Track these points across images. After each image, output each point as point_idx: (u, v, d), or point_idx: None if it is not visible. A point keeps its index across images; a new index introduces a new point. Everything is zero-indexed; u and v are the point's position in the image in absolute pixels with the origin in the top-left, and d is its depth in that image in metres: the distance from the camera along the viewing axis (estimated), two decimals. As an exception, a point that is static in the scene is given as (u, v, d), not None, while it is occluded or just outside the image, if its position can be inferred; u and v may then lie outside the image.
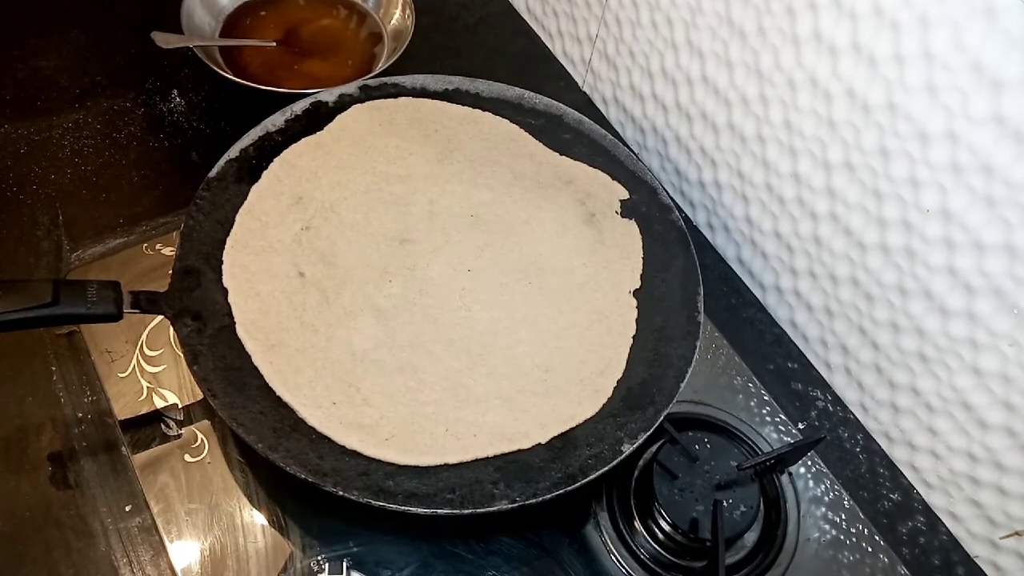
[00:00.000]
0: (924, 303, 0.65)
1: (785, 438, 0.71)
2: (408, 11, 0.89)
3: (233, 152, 0.70)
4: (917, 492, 0.71)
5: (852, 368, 0.73)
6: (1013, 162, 0.55)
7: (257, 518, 0.62)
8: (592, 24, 0.90)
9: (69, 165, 0.79)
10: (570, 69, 0.97)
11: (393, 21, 0.91)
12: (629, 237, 0.73)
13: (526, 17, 1.02)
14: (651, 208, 0.75)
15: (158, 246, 0.73)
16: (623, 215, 0.74)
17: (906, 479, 0.72)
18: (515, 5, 1.03)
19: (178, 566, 0.59)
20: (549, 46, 0.99)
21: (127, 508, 0.61)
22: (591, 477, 0.58)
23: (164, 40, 0.80)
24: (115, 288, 0.59)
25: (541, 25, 0.99)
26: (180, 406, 0.66)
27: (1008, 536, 0.65)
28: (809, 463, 0.70)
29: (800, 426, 0.73)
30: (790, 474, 0.69)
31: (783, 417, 0.72)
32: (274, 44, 0.87)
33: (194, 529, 0.60)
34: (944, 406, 0.66)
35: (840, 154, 0.66)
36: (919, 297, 0.65)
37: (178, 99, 0.85)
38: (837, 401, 0.75)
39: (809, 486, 0.69)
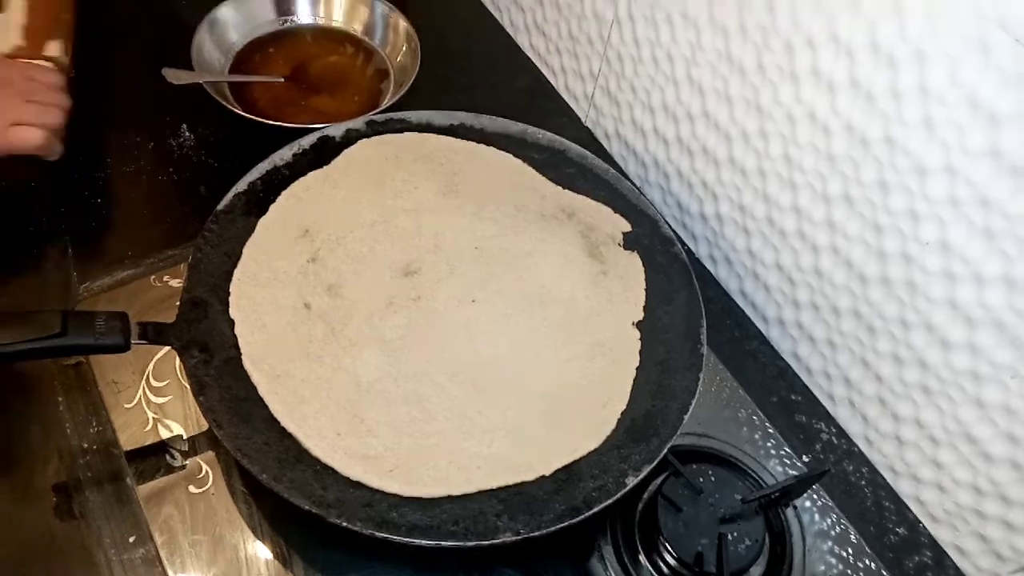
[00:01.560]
0: (926, 335, 0.65)
1: (790, 471, 0.71)
2: (414, 48, 0.91)
3: (241, 185, 0.71)
4: (923, 526, 0.71)
5: (856, 400, 0.74)
6: (1011, 195, 0.55)
7: (261, 550, 0.61)
8: (594, 61, 0.91)
9: (79, 198, 0.80)
10: (573, 105, 0.99)
11: (399, 58, 0.93)
12: (632, 269, 0.73)
13: (529, 54, 1.04)
14: (653, 240, 0.76)
15: (166, 278, 0.74)
16: (626, 247, 0.75)
17: (912, 513, 0.71)
18: (519, 42, 1.05)
19: (181, 598, 0.59)
20: (552, 82, 1.01)
21: (131, 539, 0.61)
22: (595, 509, 0.58)
23: (175, 76, 0.82)
24: (123, 319, 0.60)
25: (544, 62, 1.01)
26: (185, 437, 0.66)
27: (1016, 572, 0.65)
28: (814, 496, 0.70)
29: (805, 459, 0.73)
30: (795, 507, 0.69)
31: (787, 450, 0.72)
32: (282, 80, 0.89)
33: (198, 561, 0.60)
34: (948, 439, 0.66)
35: (840, 187, 0.67)
36: (921, 329, 0.65)
37: (187, 133, 0.87)
38: (842, 434, 0.75)
39: (815, 520, 0.69)
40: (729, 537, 0.61)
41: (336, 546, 0.62)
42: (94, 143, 0.84)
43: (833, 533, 0.68)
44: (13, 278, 0.73)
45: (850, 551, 0.67)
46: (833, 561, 0.67)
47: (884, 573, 0.66)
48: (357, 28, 0.95)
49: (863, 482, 0.73)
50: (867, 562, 0.67)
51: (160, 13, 0.98)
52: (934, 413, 0.66)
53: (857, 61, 0.62)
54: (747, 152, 0.75)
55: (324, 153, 0.76)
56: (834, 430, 0.75)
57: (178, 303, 0.64)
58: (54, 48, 0.81)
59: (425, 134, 0.80)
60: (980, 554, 0.67)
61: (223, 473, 0.64)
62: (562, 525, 0.57)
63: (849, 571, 0.66)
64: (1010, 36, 0.51)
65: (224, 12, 0.89)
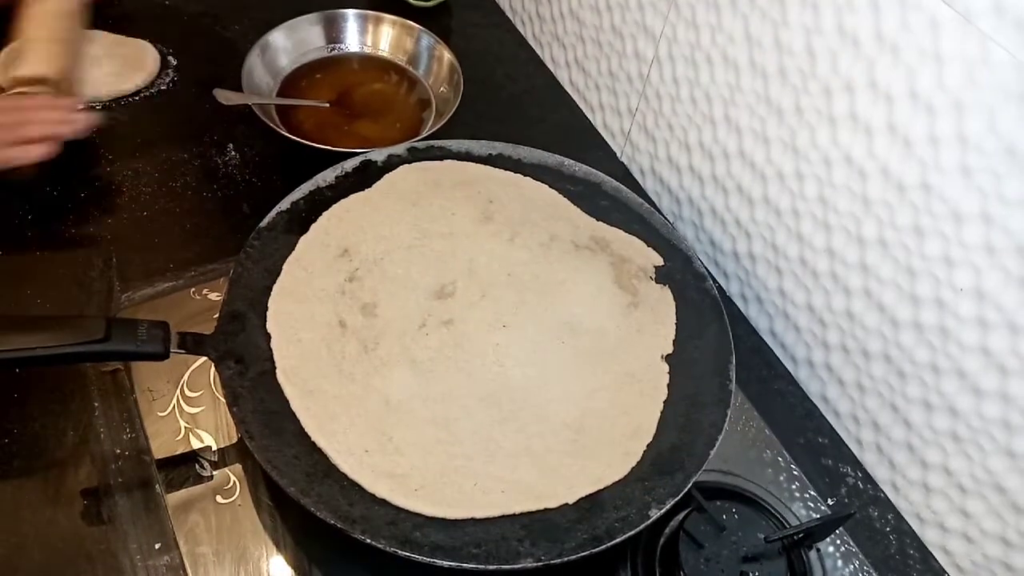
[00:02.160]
0: (957, 382, 0.64)
1: (814, 514, 0.70)
2: (456, 79, 0.93)
3: (284, 204, 0.73)
4: (949, 576, 0.70)
5: (883, 445, 0.73)
6: (1047, 245, 0.55)
7: (283, 563, 0.62)
8: (633, 98, 0.93)
9: (125, 210, 0.82)
10: (609, 140, 1.00)
11: (441, 88, 0.95)
12: (663, 303, 0.74)
13: (568, 89, 1.06)
14: (685, 275, 0.76)
15: (205, 291, 0.75)
16: (658, 281, 0.76)
17: (937, 562, 0.70)
18: (559, 78, 1.07)
19: (203, 607, 0.59)
20: (590, 117, 1.03)
21: (157, 546, 0.62)
22: (617, 540, 0.58)
23: (225, 97, 0.84)
24: (164, 328, 0.61)
25: (583, 97, 1.03)
26: (215, 448, 0.67)
27: (1044, 627, 0.63)
28: (838, 541, 0.69)
29: (830, 502, 0.72)
30: (818, 550, 0.68)
31: (812, 492, 0.72)
32: (328, 105, 0.91)
33: (221, 571, 0.61)
34: (977, 488, 0.65)
35: (874, 231, 0.68)
36: (952, 376, 0.65)
37: (233, 152, 0.89)
38: (868, 479, 0.75)
39: (837, 565, 0.68)
40: (751, 576, 0.61)
41: (358, 562, 0.62)
42: (143, 157, 0.87)
43: (857, 579, 0.67)
44: (58, 285, 0.75)
45: (874, 598, 0.66)
46: (856, 608, 0.66)
47: (908, 623, 0.66)
48: (402, 58, 0.98)
49: (888, 529, 0.72)
50: (891, 611, 0.66)
51: (215, 38, 1.01)
52: (963, 461, 0.66)
53: (895, 107, 0.63)
54: (782, 192, 0.76)
55: (366, 176, 0.78)
56: (860, 475, 0.75)
57: (216, 316, 0.66)
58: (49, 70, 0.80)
59: (464, 162, 0.82)
60: (1008, 609, 0.66)
61: (250, 485, 0.65)
62: (584, 554, 0.57)
63: (872, 619, 0.65)
64: (1050, 87, 0.52)
65: (275, 37, 0.92)
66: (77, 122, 0.76)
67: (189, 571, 0.61)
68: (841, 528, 0.69)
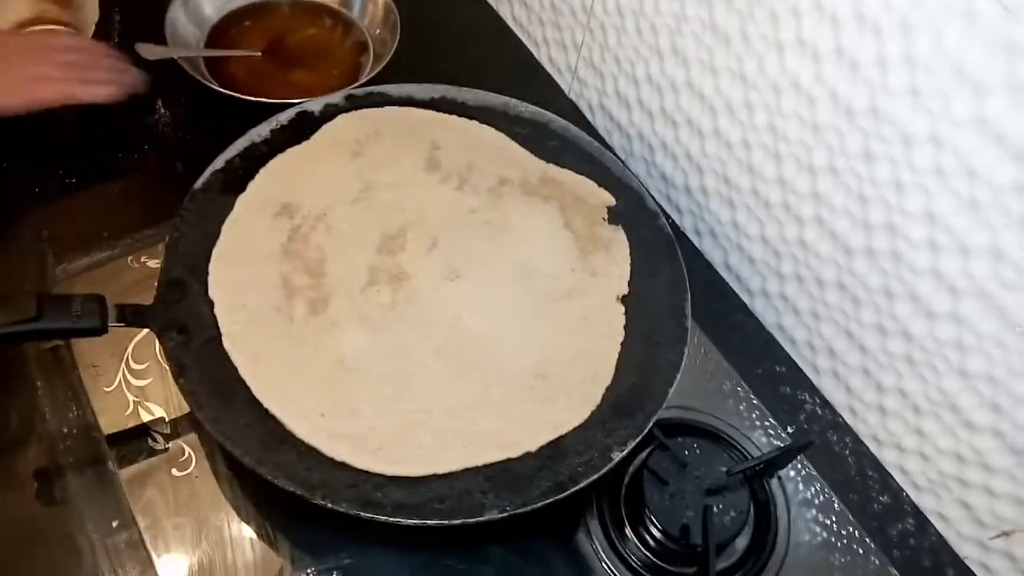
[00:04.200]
0: (910, 306, 0.65)
1: (775, 442, 0.71)
2: (393, 20, 0.89)
3: (219, 163, 0.70)
4: (906, 494, 0.71)
5: (840, 371, 0.74)
6: (996, 165, 0.55)
7: (246, 532, 0.61)
8: (577, 31, 0.90)
9: (53, 178, 0.78)
10: (556, 76, 0.97)
11: (378, 30, 0.91)
12: (616, 243, 0.73)
13: (512, 25, 1.02)
14: (638, 214, 0.75)
15: (143, 259, 0.73)
16: (610, 222, 0.74)
17: (895, 482, 0.72)
18: (501, 13, 1.03)
19: (166, 582, 0.58)
20: (535, 54, 1.00)
21: (114, 524, 0.60)
22: (581, 485, 0.58)
23: (148, 51, 0.80)
24: (100, 302, 0.59)
25: (527, 33, 1.00)
26: (167, 420, 0.65)
27: (996, 537, 0.65)
28: (799, 466, 0.70)
29: (789, 430, 0.73)
30: (780, 478, 0.69)
31: (772, 421, 0.72)
32: (259, 54, 0.87)
33: (182, 544, 0.60)
34: (932, 408, 0.66)
35: (825, 158, 0.67)
36: (905, 300, 0.65)
37: (163, 110, 0.85)
38: (826, 404, 0.76)
39: (799, 489, 0.69)
40: (714, 509, 0.61)
41: (322, 526, 0.62)
42: (65, 121, 0.82)
43: (817, 502, 0.69)
44: (-14, 261, 0.72)
45: (834, 520, 0.68)
46: (817, 530, 0.67)
47: (868, 541, 0.67)
48: (335, 0, 0.93)
49: (847, 452, 0.73)
50: (851, 530, 0.68)
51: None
52: (918, 383, 0.67)
53: (842, 30, 0.61)
54: (732, 123, 0.74)
55: (303, 128, 0.75)
56: (818, 401, 0.76)
57: (156, 284, 0.63)
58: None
59: (406, 108, 0.79)
60: (962, 521, 0.67)
61: (206, 455, 0.64)
62: (548, 501, 0.57)
63: (833, 539, 0.67)
64: (996, 2, 0.51)
65: (197, -15, 0.87)
66: (135, 75, 0.77)
67: (149, 546, 0.60)
68: (801, 455, 0.70)
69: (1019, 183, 0.54)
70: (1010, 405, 0.60)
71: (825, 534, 0.67)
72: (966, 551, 0.68)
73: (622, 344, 0.67)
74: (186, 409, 0.65)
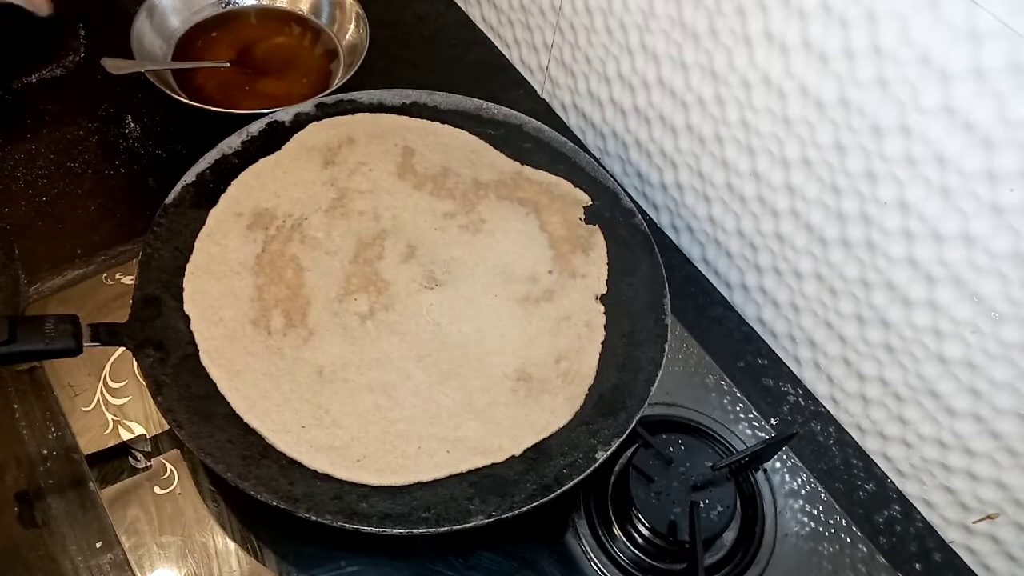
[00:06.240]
0: (887, 294, 0.65)
1: (759, 434, 0.71)
2: (362, 26, 0.88)
3: (189, 177, 0.69)
4: (891, 481, 0.72)
5: (821, 362, 0.74)
6: (964, 152, 0.55)
7: (232, 547, 0.61)
8: (547, 32, 0.90)
9: (23, 197, 0.77)
10: (528, 77, 0.97)
11: (348, 36, 0.90)
12: (593, 243, 0.73)
13: (482, 27, 1.02)
14: (614, 213, 0.75)
15: (118, 275, 0.72)
16: (587, 221, 0.74)
17: (879, 469, 0.72)
18: (471, 15, 1.03)
19: (152, 601, 0.58)
20: (506, 55, 0.99)
21: (97, 544, 0.60)
22: (566, 487, 0.58)
23: (115, 66, 0.79)
24: (73, 322, 0.58)
25: (497, 34, 0.99)
26: (147, 437, 0.65)
27: (980, 520, 0.66)
28: (783, 458, 0.70)
29: (773, 422, 0.73)
30: (765, 471, 0.69)
31: (755, 414, 0.73)
32: (228, 65, 0.86)
33: (168, 562, 0.59)
34: (912, 395, 0.67)
35: (797, 151, 0.67)
36: (882, 289, 0.65)
37: (132, 125, 0.84)
38: (808, 395, 0.76)
39: (785, 481, 0.69)
40: (701, 504, 0.61)
41: (308, 539, 0.61)
42: (36, 139, 0.81)
43: (803, 493, 0.69)
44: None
45: (820, 509, 0.68)
46: (804, 520, 0.67)
47: (854, 529, 0.67)
48: (303, 7, 0.93)
49: (831, 441, 0.73)
50: (837, 519, 0.68)
51: (97, 3, 0.94)
52: (898, 371, 0.67)
53: (809, 22, 0.61)
54: (704, 119, 0.74)
55: (274, 139, 0.74)
56: (801, 392, 0.76)
57: (131, 301, 0.62)
58: None
59: (377, 114, 0.78)
60: (946, 505, 0.68)
61: (189, 472, 0.63)
62: (534, 504, 0.57)
63: (820, 529, 0.67)
64: (958, -8, 0.51)
65: (162, -3, 0.86)
66: None
67: (134, 566, 0.59)
68: (786, 446, 0.70)
69: (987, 170, 0.55)
70: (988, 390, 0.61)
71: (812, 524, 0.67)
72: (951, 535, 0.69)
73: (603, 343, 0.67)
74: (166, 426, 0.64)
